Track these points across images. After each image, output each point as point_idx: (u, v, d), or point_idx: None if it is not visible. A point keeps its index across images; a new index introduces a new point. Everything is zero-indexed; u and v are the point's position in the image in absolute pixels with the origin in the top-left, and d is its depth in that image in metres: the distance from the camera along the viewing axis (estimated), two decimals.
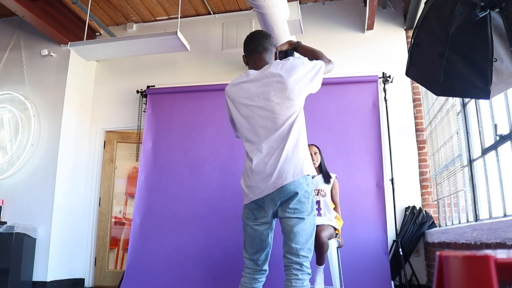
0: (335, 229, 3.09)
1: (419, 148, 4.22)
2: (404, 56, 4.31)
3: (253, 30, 3.12)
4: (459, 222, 3.29)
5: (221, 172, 4.33)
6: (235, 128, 2.02)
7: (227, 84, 2.02)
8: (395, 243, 3.82)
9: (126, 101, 5.00)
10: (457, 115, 3.28)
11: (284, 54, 2.06)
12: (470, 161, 3.04)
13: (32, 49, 4.97)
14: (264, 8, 3.46)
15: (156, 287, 4.04)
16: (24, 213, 4.39)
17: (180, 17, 4.78)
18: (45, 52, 4.85)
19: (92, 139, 5.01)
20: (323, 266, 2.94)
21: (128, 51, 4.18)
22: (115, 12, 4.99)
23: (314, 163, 3.17)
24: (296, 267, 1.74)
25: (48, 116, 4.70)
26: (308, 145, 2.01)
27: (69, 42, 4.04)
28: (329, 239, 2.93)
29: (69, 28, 4.80)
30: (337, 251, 3.16)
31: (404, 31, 4.54)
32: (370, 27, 4.47)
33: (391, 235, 3.90)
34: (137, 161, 4.87)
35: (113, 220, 4.95)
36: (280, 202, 1.77)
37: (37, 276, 4.24)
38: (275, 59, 2.01)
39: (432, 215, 3.97)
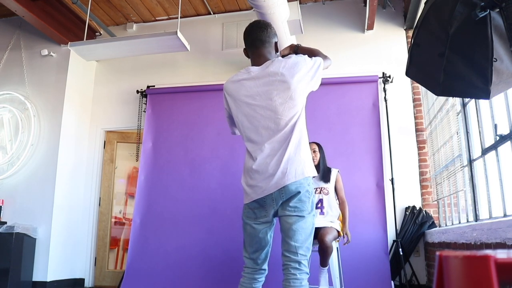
0: (338, 231, 3.10)
1: (419, 148, 4.22)
2: (404, 56, 4.31)
3: None
4: (459, 222, 3.28)
5: (221, 172, 4.33)
6: (232, 125, 2.01)
7: None
8: (395, 243, 3.82)
9: (126, 101, 5.00)
10: (457, 115, 3.28)
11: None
12: (470, 161, 3.04)
13: (32, 49, 4.97)
14: (264, 8, 3.46)
15: (156, 287, 4.04)
16: (24, 213, 4.39)
17: (180, 17, 4.78)
18: (45, 52, 4.85)
19: (92, 139, 5.01)
20: (327, 267, 2.96)
21: (128, 51, 4.18)
22: (115, 12, 4.99)
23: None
24: (294, 266, 1.73)
25: (48, 116, 4.70)
26: (309, 143, 2.00)
27: (69, 42, 4.04)
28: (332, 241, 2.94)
29: (69, 28, 4.80)
30: (337, 251, 3.16)
31: (404, 31, 4.54)
32: (370, 27, 4.47)
33: (391, 235, 3.90)
34: (137, 161, 4.87)
35: (113, 220, 4.95)
36: (282, 201, 1.77)
37: (37, 276, 4.24)
38: (277, 51, 1.97)
39: (432, 215, 3.97)
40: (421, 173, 4.15)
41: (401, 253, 3.68)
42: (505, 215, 2.36)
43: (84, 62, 4.91)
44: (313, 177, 1.87)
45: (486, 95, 1.46)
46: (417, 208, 4.01)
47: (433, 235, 3.58)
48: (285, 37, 3.99)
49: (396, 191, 4.03)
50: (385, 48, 4.52)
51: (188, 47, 4.00)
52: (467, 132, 3.11)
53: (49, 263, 4.28)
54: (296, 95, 1.80)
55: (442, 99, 3.67)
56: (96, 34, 5.25)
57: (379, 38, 4.57)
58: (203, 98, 4.63)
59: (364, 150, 4.09)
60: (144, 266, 4.16)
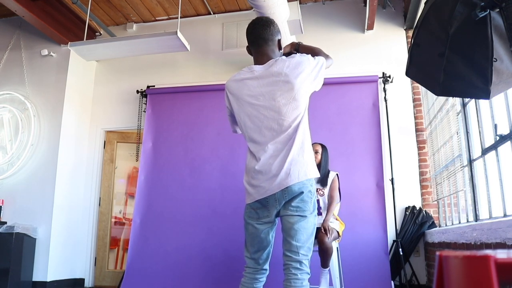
0: (337, 231, 3.10)
1: (419, 148, 4.22)
2: (404, 56, 4.31)
3: None
4: (459, 222, 3.28)
5: (221, 172, 4.33)
6: (234, 123, 2.00)
7: None
8: (395, 243, 3.82)
9: (126, 101, 5.00)
10: (457, 115, 3.28)
11: (287, 55, 2.03)
12: (470, 161, 3.04)
13: (32, 49, 4.97)
14: (264, 8, 3.46)
15: (156, 287, 4.04)
16: (24, 213, 4.39)
17: (180, 17, 4.78)
18: (45, 52, 4.85)
19: (92, 139, 5.01)
20: (328, 268, 2.96)
21: (128, 51, 4.18)
22: (115, 12, 4.99)
23: None
24: (295, 266, 1.73)
25: (48, 116, 4.70)
26: (313, 143, 1.99)
27: (69, 42, 4.04)
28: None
29: (69, 28, 4.80)
30: (337, 251, 3.16)
31: (404, 31, 4.54)
32: (370, 27, 4.47)
33: (391, 235, 3.90)
34: (137, 161, 4.87)
35: (113, 220, 4.95)
36: (284, 201, 1.77)
37: (37, 276, 4.24)
38: (280, 49, 1.96)
39: (432, 215, 3.97)
40: (421, 173, 4.15)
41: (401, 253, 3.68)
42: (505, 215, 2.36)
43: (84, 62, 4.91)
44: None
45: (486, 95, 1.46)
46: (417, 208, 4.01)
47: (433, 235, 3.58)
48: (285, 37, 3.99)
49: (396, 191, 4.03)
50: (385, 48, 4.52)
51: (188, 47, 4.00)
52: (467, 132, 3.11)
53: (49, 263, 4.28)
54: (299, 95, 1.79)
55: (442, 99, 3.67)
56: (96, 34, 5.25)
57: (379, 38, 4.57)
58: (203, 98, 4.63)
59: (364, 150, 4.09)
60: (144, 266, 4.16)
